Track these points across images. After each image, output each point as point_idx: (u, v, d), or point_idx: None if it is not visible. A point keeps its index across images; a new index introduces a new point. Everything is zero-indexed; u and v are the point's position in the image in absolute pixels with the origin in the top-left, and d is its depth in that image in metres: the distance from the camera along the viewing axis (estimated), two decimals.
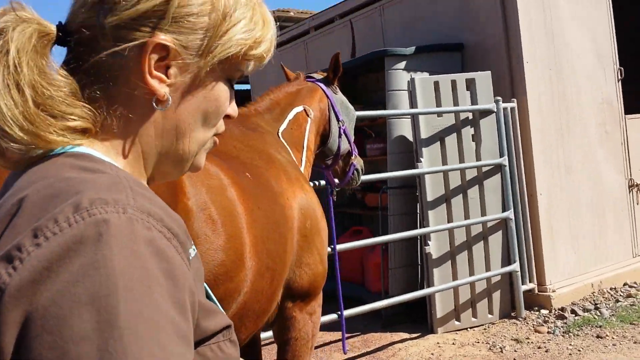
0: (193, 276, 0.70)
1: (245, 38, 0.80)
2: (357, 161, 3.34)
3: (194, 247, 0.77)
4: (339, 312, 3.68)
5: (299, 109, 2.92)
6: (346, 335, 5.00)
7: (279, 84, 3.11)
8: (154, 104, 0.76)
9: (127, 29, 0.73)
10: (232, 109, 0.87)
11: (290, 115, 2.87)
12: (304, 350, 2.26)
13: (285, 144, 2.72)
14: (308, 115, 2.95)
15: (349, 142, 3.25)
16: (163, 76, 0.76)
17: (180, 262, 0.65)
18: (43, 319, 0.54)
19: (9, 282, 0.55)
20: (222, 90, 0.83)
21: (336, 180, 3.35)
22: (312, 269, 2.29)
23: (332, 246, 3.72)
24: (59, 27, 0.76)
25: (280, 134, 2.74)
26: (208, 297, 0.86)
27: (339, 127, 3.15)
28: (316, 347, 4.71)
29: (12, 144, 0.68)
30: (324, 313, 3.97)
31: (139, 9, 0.73)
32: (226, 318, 0.82)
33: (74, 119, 0.72)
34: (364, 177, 4.99)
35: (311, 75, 3.30)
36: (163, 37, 0.74)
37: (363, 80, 6.68)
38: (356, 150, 3.37)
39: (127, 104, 0.76)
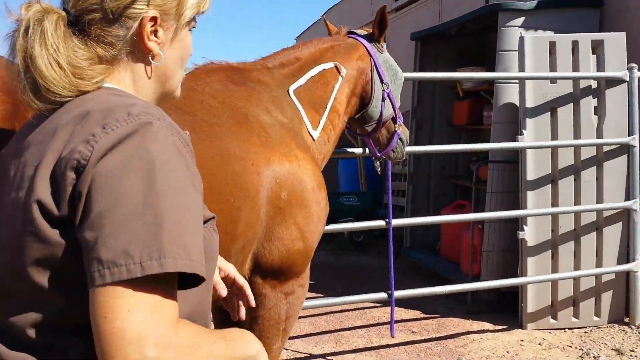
0: None
1: (198, 2, 1.13)
2: (402, 130, 3.03)
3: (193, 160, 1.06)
4: (389, 292, 3.36)
5: (328, 65, 2.66)
6: (423, 316, 4.69)
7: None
8: (150, 59, 1.09)
9: (127, 8, 1.03)
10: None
11: (313, 72, 2.60)
12: (273, 331, 2.05)
13: (297, 103, 2.48)
14: (339, 74, 2.67)
15: (394, 108, 2.94)
16: (156, 39, 1.08)
17: (191, 160, 0.99)
18: (105, 177, 0.86)
19: (89, 155, 0.88)
20: (189, 38, 1.16)
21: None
22: (287, 245, 2.04)
23: (387, 220, 3.40)
24: (68, 13, 1.04)
25: (292, 92, 2.49)
26: None
27: (383, 90, 2.85)
28: (373, 325, 4.45)
29: (59, 99, 1.00)
30: (402, 287, 3.78)
31: None
32: (210, 213, 1.12)
33: (98, 77, 1.03)
34: (464, 147, 4.57)
35: (353, 31, 2.96)
36: (153, 12, 1.06)
37: (475, 39, 6.00)
38: (401, 117, 3.03)
39: (132, 60, 1.08)
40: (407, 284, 5.20)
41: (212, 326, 2.04)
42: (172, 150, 0.93)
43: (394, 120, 2.98)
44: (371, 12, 8.66)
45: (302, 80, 2.56)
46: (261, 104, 2.22)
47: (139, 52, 1.08)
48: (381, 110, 2.86)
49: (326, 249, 6.91)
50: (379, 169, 3.16)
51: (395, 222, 3.57)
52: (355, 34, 2.92)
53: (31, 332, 0.91)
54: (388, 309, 4.03)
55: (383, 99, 2.85)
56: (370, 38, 2.90)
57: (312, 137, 2.51)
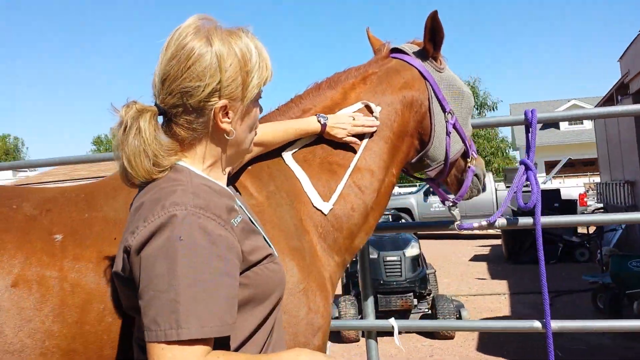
0: (238, 234, 1.32)
1: (259, 81, 1.41)
2: (476, 164, 2.43)
3: (238, 217, 1.38)
4: (544, 320, 2.73)
5: (353, 108, 2.19)
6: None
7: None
8: (226, 136, 1.40)
9: (204, 102, 1.35)
10: (260, 109, 1.50)
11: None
12: None
13: (297, 168, 2.07)
14: (372, 115, 2.19)
15: (463, 140, 2.34)
16: (228, 119, 1.39)
17: (220, 230, 1.25)
18: (145, 261, 1.20)
19: (132, 243, 1.23)
20: (256, 110, 1.47)
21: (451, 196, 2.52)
22: None
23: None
24: (158, 107, 1.38)
25: (287, 156, 2.08)
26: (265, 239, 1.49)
27: (446, 122, 2.27)
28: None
29: (137, 181, 1.37)
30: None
31: (205, 92, 1.34)
32: (268, 251, 1.43)
33: (170, 162, 1.37)
34: None
35: (399, 48, 2.36)
36: (221, 102, 1.36)
37: None
38: (474, 148, 2.44)
39: (209, 138, 1.41)
40: None
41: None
42: (194, 233, 1.21)
43: (466, 154, 2.39)
44: None
45: (307, 139, 2.13)
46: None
47: (215, 132, 1.40)
48: (446, 148, 2.28)
49: None
50: (457, 220, 2.63)
51: None
52: (401, 51, 2.34)
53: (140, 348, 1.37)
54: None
55: (448, 133, 2.27)
56: (423, 55, 2.31)
57: (320, 211, 2.02)
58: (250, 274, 1.35)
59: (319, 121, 2.09)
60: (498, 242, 16.38)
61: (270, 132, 2.01)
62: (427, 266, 8.19)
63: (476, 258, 14.58)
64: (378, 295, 7.27)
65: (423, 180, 2.68)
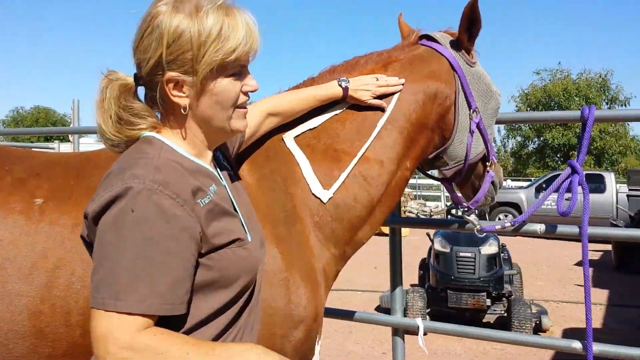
0: (202, 216, 1.30)
1: (216, 55, 1.32)
2: (495, 170, 2.29)
3: (206, 198, 1.34)
4: (585, 340, 2.43)
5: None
6: None
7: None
8: (182, 110, 1.38)
9: (151, 76, 1.36)
10: (250, 85, 1.43)
11: (338, 109, 2.03)
12: None
13: (298, 152, 1.96)
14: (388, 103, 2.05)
15: (485, 142, 2.19)
16: (179, 93, 1.37)
17: (176, 209, 1.23)
18: (99, 230, 1.22)
19: (89, 210, 1.25)
20: (223, 84, 1.37)
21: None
22: None
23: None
24: (135, 77, 1.42)
25: (288, 139, 1.98)
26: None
27: (471, 120, 2.12)
28: None
29: (114, 144, 1.43)
30: None
31: (149, 64, 1.34)
32: (237, 235, 1.40)
33: (143, 125, 1.41)
34: None
35: (430, 35, 2.21)
36: (166, 75, 1.34)
37: None
38: (494, 152, 2.28)
39: (172, 112, 1.41)
40: None
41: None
42: (147, 208, 1.21)
43: (486, 158, 2.23)
44: None
45: (313, 123, 2.01)
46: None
47: (172, 106, 1.40)
48: (467, 148, 2.13)
49: None
50: (476, 225, 2.42)
51: None
52: (432, 39, 2.20)
53: None
54: None
55: (471, 132, 2.11)
56: (455, 45, 2.16)
57: (319, 199, 1.92)
58: (215, 256, 1.34)
59: (340, 85, 2.01)
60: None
61: (287, 101, 1.96)
62: (510, 266, 7.74)
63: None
64: (448, 291, 7.01)
65: (435, 179, 2.50)
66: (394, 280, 3.01)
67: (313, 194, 1.92)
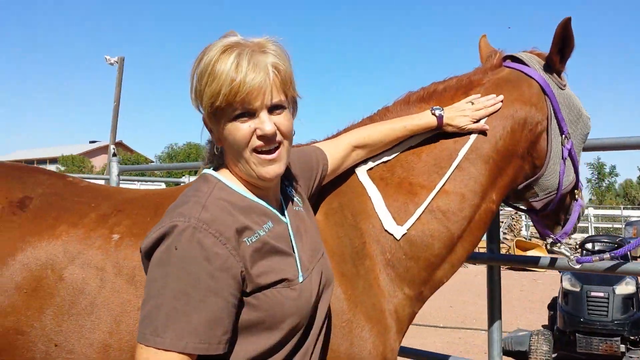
0: (248, 254, 1.30)
1: (206, 96, 1.34)
2: (582, 197, 2.13)
3: (254, 236, 1.33)
4: None
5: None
6: None
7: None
8: (216, 149, 1.47)
9: (196, 107, 1.43)
10: (260, 129, 1.36)
11: (414, 141, 1.92)
12: None
13: (370, 185, 1.88)
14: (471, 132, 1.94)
15: (576, 170, 2.04)
16: (212, 133, 1.44)
17: (218, 248, 1.24)
18: (149, 266, 1.26)
19: (142, 247, 1.30)
20: (228, 127, 1.37)
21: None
22: None
23: None
24: None
25: (361, 172, 1.90)
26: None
27: (562, 147, 1.96)
28: None
29: None
30: None
31: (192, 97, 1.43)
32: (286, 274, 1.37)
33: (213, 162, 1.50)
34: None
35: (516, 55, 2.06)
36: (201, 110, 1.42)
37: None
38: (581, 180, 2.13)
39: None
40: None
41: None
42: (190, 246, 1.24)
43: (575, 185, 2.07)
44: None
45: (387, 156, 1.91)
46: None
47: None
48: (560, 176, 1.96)
49: None
50: (570, 257, 2.16)
51: None
52: (518, 60, 2.04)
53: None
54: None
55: (563, 159, 1.95)
56: (545, 67, 2.01)
57: (392, 235, 1.81)
58: (260, 296, 1.33)
59: (434, 114, 1.90)
60: None
61: (377, 132, 1.89)
62: None
63: None
64: (577, 335, 6.40)
65: (520, 210, 2.28)
66: (491, 322, 2.78)
67: (385, 230, 1.81)
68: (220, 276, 1.24)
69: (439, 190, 1.86)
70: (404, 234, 1.81)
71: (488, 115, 1.92)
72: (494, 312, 2.76)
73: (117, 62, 14.77)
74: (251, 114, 1.36)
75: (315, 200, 1.87)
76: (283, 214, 1.51)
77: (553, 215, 2.13)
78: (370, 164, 1.92)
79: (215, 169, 1.48)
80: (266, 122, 1.36)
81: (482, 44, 2.28)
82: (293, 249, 1.46)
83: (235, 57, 1.33)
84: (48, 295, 1.69)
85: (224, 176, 1.45)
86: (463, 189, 1.88)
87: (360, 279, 1.75)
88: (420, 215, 1.83)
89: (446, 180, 1.87)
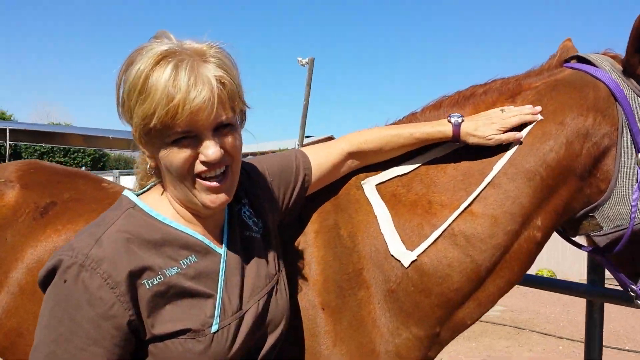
0: (145, 299, 1.16)
1: (137, 116, 1.15)
2: None
3: (156, 278, 1.18)
4: None
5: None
6: None
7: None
8: (150, 169, 1.30)
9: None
10: (204, 154, 1.19)
11: (440, 152, 1.65)
12: None
13: (379, 202, 1.63)
14: (510, 144, 1.61)
15: None
16: (142, 148, 1.25)
17: (103, 292, 1.12)
18: (44, 296, 1.17)
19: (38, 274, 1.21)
20: (168, 154, 1.18)
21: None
22: None
23: None
24: None
25: (369, 187, 1.66)
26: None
27: (638, 168, 1.56)
28: None
29: None
30: None
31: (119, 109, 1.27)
32: (190, 324, 1.20)
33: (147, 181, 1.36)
34: None
35: (583, 56, 1.71)
36: (130, 122, 1.22)
37: None
38: None
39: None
40: None
41: None
42: (74, 286, 1.13)
43: None
44: None
45: (404, 168, 1.65)
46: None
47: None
48: (632, 206, 1.56)
49: None
50: None
51: None
52: (586, 61, 1.69)
53: None
54: None
55: (638, 184, 1.55)
56: (623, 70, 1.64)
57: (398, 261, 1.56)
58: (160, 346, 1.20)
59: (449, 121, 1.62)
60: None
61: (376, 138, 1.64)
62: None
63: None
64: None
65: (580, 247, 1.78)
66: None
67: (391, 255, 1.55)
68: (103, 325, 1.13)
69: (463, 210, 1.56)
70: (413, 261, 1.54)
71: (524, 124, 1.60)
72: (591, 354, 2.34)
73: (307, 63, 15.57)
74: (193, 136, 1.18)
75: (304, 213, 1.65)
76: (222, 242, 1.34)
77: (627, 258, 1.66)
78: (382, 178, 1.67)
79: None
80: (211, 148, 1.18)
81: (565, 48, 1.86)
82: (218, 288, 1.28)
83: (172, 70, 1.13)
84: None
85: (151, 197, 1.31)
86: (496, 210, 1.55)
87: (347, 312, 1.52)
88: (436, 240, 1.54)
89: (474, 199, 1.56)
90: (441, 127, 1.61)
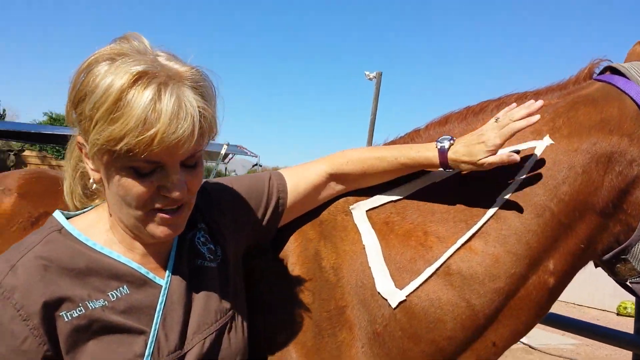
0: (64, 332, 1.05)
1: (98, 137, 1.00)
2: None
3: (76, 310, 1.07)
4: None
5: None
6: None
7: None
8: (93, 185, 1.18)
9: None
10: (168, 189, 1.06)
11: (437, 176, 1.47)
12: None
13: (366, 231, 1.43)
14: (520, 170, 1.41)
15: None
16: (88, 162, 1.11)
17: (14, 325, 1.02)
18: None
19: None
20: (124, 180, 1.04)
21: None
22: None
23: None
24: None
25: (358, 214, 1.47)
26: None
27: None
28: None
29: None
30: None
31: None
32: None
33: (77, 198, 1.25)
34: None
35: (614, 65, 1.48)
36: (78, 137, 1.11)
37: None
38: None
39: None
40: None
41: None
42: None
43: None
44: None
45: (398, 193, 1.46)
46: None
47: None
48: None
49: None
50: None
51: None
52: (617, 72, 1.46)
53: None
54: None
55: None
56: None
57: (385, 300, 1.36)
58: None
59: (437, 147, 1.39)
60: None
61: (356, 160, 1.46)
62: None
63: None
64: None
65: (627, 290, 1.52)
66: None
67: (378, 293, 1.37)
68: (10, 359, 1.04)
69: (461, 246, 1.36)
70: (401, 301, 1.35)
71: (515, 133, 1.34)
72: None
73: (375, 78, 15.42)
74: (158, 166, 1.06)
75: (282, 240, 1.48)
76: (154, 276, 1.19)
77: None
78: (374, 203, 1.48)
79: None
80: (177, 185, 1.07)
81: (635, 53, 1.54)
82: (153, 324, 1.14)
83: (153, 94, 0.99)
84: None
85: (86, 219, 1.20)
86: (498, 248, 1.35)
87: (322, 354, 1.34)
88: (429, 278, 1.35)
89: (474, 233, 1.37)
90: (428, 153, 1.40)
